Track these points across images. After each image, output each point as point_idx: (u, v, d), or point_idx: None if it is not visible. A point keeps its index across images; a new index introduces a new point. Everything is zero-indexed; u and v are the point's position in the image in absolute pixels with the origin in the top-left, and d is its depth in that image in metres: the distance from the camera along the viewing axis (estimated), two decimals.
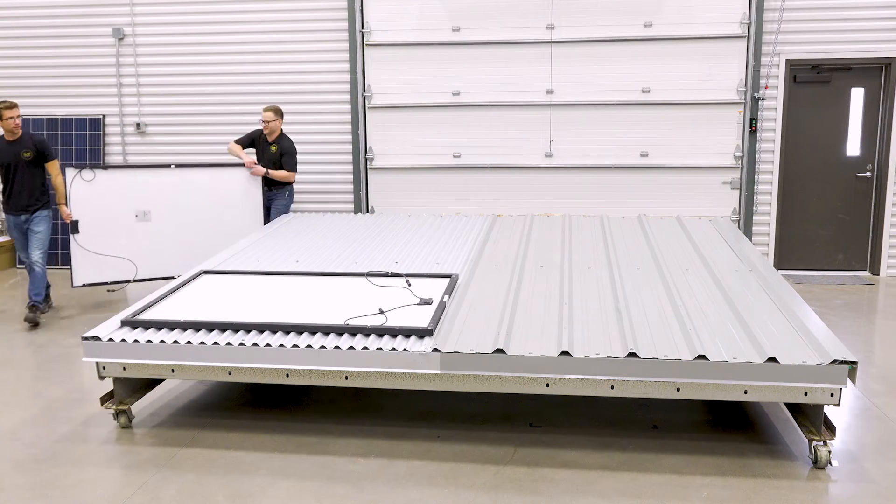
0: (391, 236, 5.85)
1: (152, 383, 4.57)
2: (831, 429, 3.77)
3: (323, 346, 3.89)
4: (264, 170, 7.26)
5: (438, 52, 8.30)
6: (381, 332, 3.97)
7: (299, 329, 4.05)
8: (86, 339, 4.10)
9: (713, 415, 4.37)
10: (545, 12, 8.12)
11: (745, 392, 3.64)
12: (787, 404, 4.17)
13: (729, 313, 4.15)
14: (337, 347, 3.88)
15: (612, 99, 8.16)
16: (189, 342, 4.01)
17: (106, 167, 6.89)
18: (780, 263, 8.30)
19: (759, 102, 7.99)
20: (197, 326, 4.15)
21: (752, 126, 7.99)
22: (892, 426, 4.25)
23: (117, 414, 4.28)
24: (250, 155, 7.47)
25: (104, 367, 4.15)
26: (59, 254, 8.79)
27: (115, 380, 4.24)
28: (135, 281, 6.94)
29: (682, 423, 4.26)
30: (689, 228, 5.85)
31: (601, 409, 4.44)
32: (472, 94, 8.32)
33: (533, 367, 3.72)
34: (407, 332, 3.94)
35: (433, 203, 8.53)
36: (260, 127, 7.50)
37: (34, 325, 6.35)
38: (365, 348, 3.85)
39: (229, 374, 4.03)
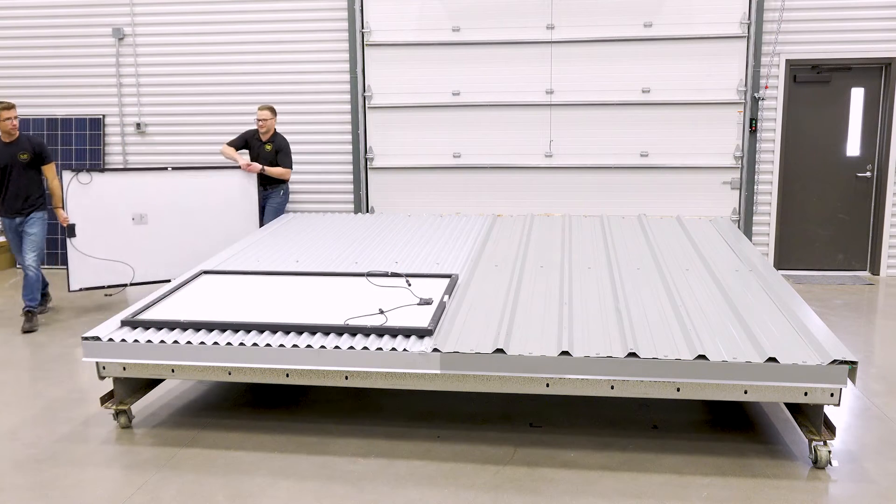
0: (391, 236, 5.85)
1: (152, 383, 4.57)
2: (831, 429, 3.76)
3: (323, 346, 3.89)
4: (260, 166, 7.27)
5: (438, 52, 8.31)
6: (381, 332, 3.97)
7: (299, 329, 4.05)
8: (86, 339, 4.10)
9: (713, 415, 4.37)
10: (545, 12, 8.12)
11: (745, 392, 3.64)
12: (787, 404, 4.18)
13: (729, 313, 4.15)
14: (337, 347, 3.88)
15: (612, 99, 8.16)
16: (189, 342, 4.01)
17: (102, 170, 6.85)
18: (780, 263, 8.30)
19: (759, 102, 7.99)
20: (197, 326, 4.15)
21: (752, 126, 7.99)
22: (892, 426, 4.25)
23: (117, 414, 4.28)
24: (244, 156, 7.47)
25: (104, 367, 4.15)
26: (58, 254, 8.80)
27: (115, 380, 4.24)
28: (132, 285, 6.93)
29: (682, 423, 4.26)
30: (689, 228, 5.85)
31: (601, 409, 4.44)
32: (472, 94, 8.32)
33: (533, 367, 3.72)
34: (407, 332, 3.94)
35: (433, 203, 8.53)
36: (251, 127, 7.50)
37: (32, 332, 6.27)
38: (365, 348, 3.85)
39: (229, 374, 4.03)
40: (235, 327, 4.11)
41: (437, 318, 4.08)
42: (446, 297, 4.38)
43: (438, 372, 3.80)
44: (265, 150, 7.40)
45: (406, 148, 8.51)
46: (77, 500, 3.51)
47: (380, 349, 3.84)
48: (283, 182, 7.52)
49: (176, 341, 4.02)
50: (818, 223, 8.27)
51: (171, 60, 8.74)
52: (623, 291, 4.47)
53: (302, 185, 8.70)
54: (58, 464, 3.87)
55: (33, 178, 6.43)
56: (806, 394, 3.60)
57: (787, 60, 7.96)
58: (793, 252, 8.33)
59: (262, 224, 7.31)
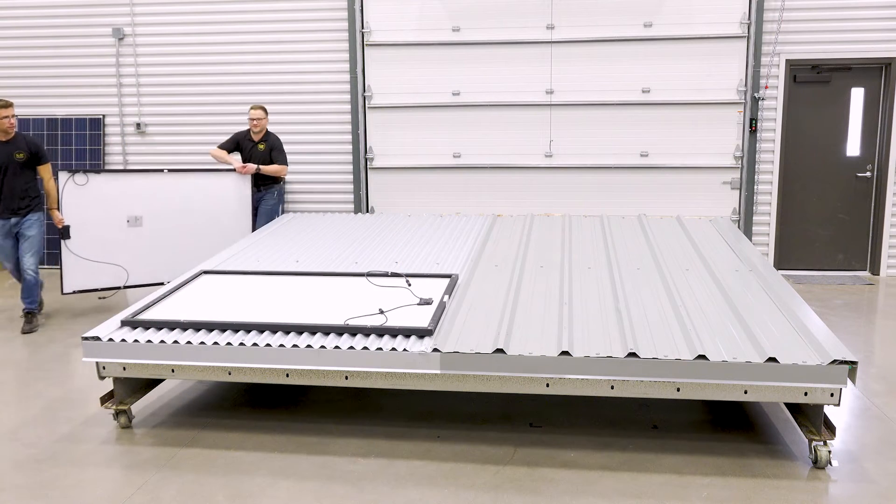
0: (391, 236, 5.85)
1: (152, 383, 4.57)
2: (831, 429, 3.76)
3: (323, 346, 3.89)
4: (255, 167, 7.25)
5: (438, 52, 8.31)
6: (381, 332, 3.97)
7: (299, 329, 4.05)
8: (86, 339, 4.10)
9: (713, 415, 4.37)
10: (545, 12, 8.12)
11: (745, 392, 3.64)
12: (787, 404, 4.17)
13: (729, 313, 4.15)
14: (337, 347, 3.88)
15: (612, 99, 8.16)
16: (189, 342, 4.01)
17: (99, 171, 6.80)
18: (780, 263, 8.30)
19: (759, 102, 7.99)
20: (197, 326, 4.15)
21: (752, 126, 7.99)
22: (892, 426, 4.25)
23: (117, 414, 4.28)
24: (236, 159, 7.44)
25: (104, 367, 4.15)
26: (55, 254, 8.79)
27: (115, 380, 4.24)
28: (125, 287, 6.90)
29: (682, 423, 4.26)
30: (689, 228, 5.85)
31: (601, 409, 4.44)
32: (472, 94, 8.32)
33: (533, 367, 3.72)
34: (407, 332, 3.94)
35: (433, 203, 8.53)
36: (242, 129, 7.48)
37: (32, 332, 6.25)
38: (365, 348, 3.85)
39: (229, 374, 4.03)
40: (235, 327, 4.11)
41: (437, 318, 4.08)
42: (446, 297, 4.38)
43: (438, 372, 3.80)
44: (258, 150, 7.38)
45: (406, 148, 8.51)
46: (77, 500, 3.51)
47: (380, 349, 3.84)
48: (276, 182, 7.48)
49: (176, 341, 4.02)
50: (818, 223, 8.27)
51: (171, 60, 8.74)
52: (623, 291, 4.47)
53: (302, 185, 8.71)
54: (58, 464, 3.87)
55: (30, 178, 6.35)
56: (806, 394, 3.60)
57: (787, 60, 7.97)
58: (793, 252, 8.33)
59: (254, 227, 7.26)
